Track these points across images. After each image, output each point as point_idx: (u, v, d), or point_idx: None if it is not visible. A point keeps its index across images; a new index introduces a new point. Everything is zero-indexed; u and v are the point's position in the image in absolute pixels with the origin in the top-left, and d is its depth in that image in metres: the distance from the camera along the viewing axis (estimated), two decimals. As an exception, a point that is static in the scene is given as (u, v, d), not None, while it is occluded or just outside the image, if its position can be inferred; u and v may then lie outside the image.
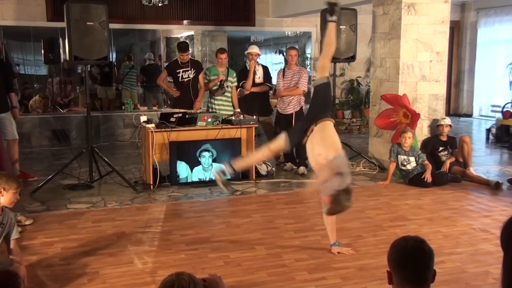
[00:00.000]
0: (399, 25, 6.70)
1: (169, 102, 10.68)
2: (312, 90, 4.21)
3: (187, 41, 9.39)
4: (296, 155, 7.00)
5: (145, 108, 11.20)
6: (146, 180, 6.12)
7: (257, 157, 4.77)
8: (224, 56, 7.08)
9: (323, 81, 4.17)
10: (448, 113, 10.67)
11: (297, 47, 8.95)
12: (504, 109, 9.61)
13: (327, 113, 4.08)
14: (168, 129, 5.98)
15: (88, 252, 4.09)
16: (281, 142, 4.14)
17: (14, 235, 3.45)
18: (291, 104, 6.88)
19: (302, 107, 6.98)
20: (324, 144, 3.83)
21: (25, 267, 3.46)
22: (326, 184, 3.51)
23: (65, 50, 7.46)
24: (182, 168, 6.06)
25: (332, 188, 3.46)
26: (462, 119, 11.96)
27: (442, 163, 6.45)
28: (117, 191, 5.92)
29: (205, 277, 2.43)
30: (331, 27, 4.36)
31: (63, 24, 5.88)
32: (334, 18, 4.37)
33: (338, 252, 4.07)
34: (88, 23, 5.71)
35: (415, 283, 1.97)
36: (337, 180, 3.47)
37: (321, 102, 4.17)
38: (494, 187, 5.97)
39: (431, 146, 6.60)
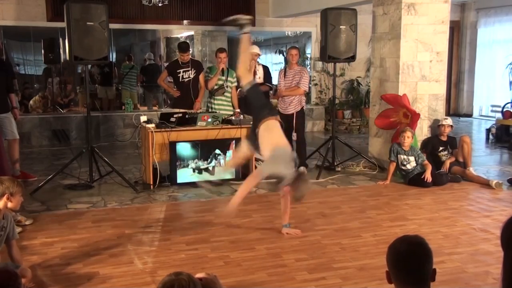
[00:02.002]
0: (399, 25, 6.70)
1: (169, 102, 10.68)
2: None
3: (188, 41, 9.38)
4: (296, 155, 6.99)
5: (145, 108, 11.20)
6: (146, 180, 6.12)
7: (246, 186, 4.31)
8: (223, 55, 7.08)
9: (249, 85, 4.61)
10: (448, 113, 10.68)
11: (297, 46, 8.94)
12: (504, 109, 9.62)
13: (267, 112, 4.46)
14: (168, 129, 5.98)
15: (88, 252, 4.08)
16: (244, 148, 4.72)
17: (14, 236, 3.48)
18: (292, 104, 6.88)
19: (303, 107, 6.98)
20: (269, 142, 4.30)
21: (30, 270, 3.47)
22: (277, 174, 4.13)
23: (65, 50, 7.45)
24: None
25: (286, 179, 4.06)
26: (462, 119, 11.97)
27: (442, 163, 6.46)
28: (117, 191, 5.92)
29: (202, 277, 2.43)
30: (244, 38, 4.78)
31: (63, 24, 5.88)
32: (246, 30, 4.77)
33: (287, 233, 4.46)
34: (88, 23, 5.71)
35: (413, 284, 1.98)
36: (282, 171, 4.07)
37: (257, 104, 4.60)
38: (494, 187, 5.97)
39: (431, 146, 6.60)
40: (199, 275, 2.41)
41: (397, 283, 2.00)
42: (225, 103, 7.10)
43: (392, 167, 6.32)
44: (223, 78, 7.06)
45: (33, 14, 9.02)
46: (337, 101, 9.47)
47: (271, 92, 7.86)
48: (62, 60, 10.35)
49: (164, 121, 6.05)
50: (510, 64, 10.57)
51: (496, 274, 3.61)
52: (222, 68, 7.03)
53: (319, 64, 10.90)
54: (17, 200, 3.37)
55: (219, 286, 2.50)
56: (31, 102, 10.32)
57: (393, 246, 2.05)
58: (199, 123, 6.13)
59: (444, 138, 6.61)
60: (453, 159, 6.49)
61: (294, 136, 6.96)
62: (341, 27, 6.83)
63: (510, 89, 10.59)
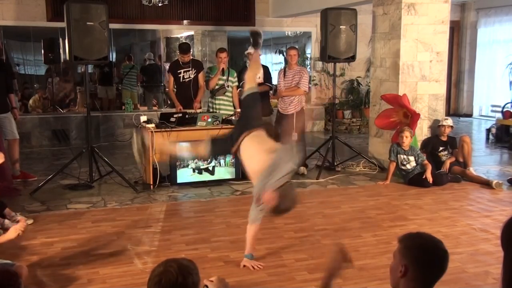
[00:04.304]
0: (399, 25, 6.70)
1: (169, 102, 10.67)
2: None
3: (188, 42, 9.37)
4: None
5: (145, 108, 11.20)
6: (146, 180, 6.12)
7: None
8: (224, 55, 7.06)
9: (250, 91, 4.26)
10: (448, 113, 10.67)
11: (297, 47, 8.95)
12: (504, 109, 9.61)
13: (256, 123, 3.98)
14: (168, 129, 5.98)
15: (88, 252, 4.09)
16: (202, 148, 4.08)
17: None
18: (292, 104, 6.87)
19: (303, 107, 6.98)
20: (261, 151, 3.68)
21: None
22: (270, 181, 3.40)
23: (65, 50, 7.44)
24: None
25: (279, 180, 3.37)
26: (462, 119, 11.96)
27: (442, 163, 6.46)
28: (117, 191, 5.92)
29: (213, 279, 2.36)
30: (256, 55, 4.77)
31: (63, 24, 5.88)
32: (259, 49, 4.77)
33: (244, 266, 3.80)
34: (88, 23, 5.71)
35: (432, 283, 2.00)
36: (279, 171, 3.40)
37: (249, 114, 4.14)
38: (494, 187, 5.97)
39: (431, 146, 6.60)
40: (207, 281, 2.30)
41: (418, 279, 1.97)
42: (226, 103, 7.09)
43: (392, 167, 6.32)
44: (224, 78, 7.05)
45: (33, 14, 9.01)
46: (337, 101, 9.46)
47: (270, 92, 7.85)
48: (62, 60, 10.35)
49: (164, 121, 6.05)
50: (510, 64, 10.57)
51: (496, 274, 3.61)
52: (223, 68, 7.01)
53: (319, 64, 10.89)
54: None
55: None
56: (30, 101, 10.31)
57: (426, 244, 2.03)
58: (199, 123, 6.13)
59: (444, 138, 6.61)
60: (453, 159, 6.49)
61: (295, 136, 6.95)
62: (341, 27, 6.83)
63: (510, 89, 10.58)
